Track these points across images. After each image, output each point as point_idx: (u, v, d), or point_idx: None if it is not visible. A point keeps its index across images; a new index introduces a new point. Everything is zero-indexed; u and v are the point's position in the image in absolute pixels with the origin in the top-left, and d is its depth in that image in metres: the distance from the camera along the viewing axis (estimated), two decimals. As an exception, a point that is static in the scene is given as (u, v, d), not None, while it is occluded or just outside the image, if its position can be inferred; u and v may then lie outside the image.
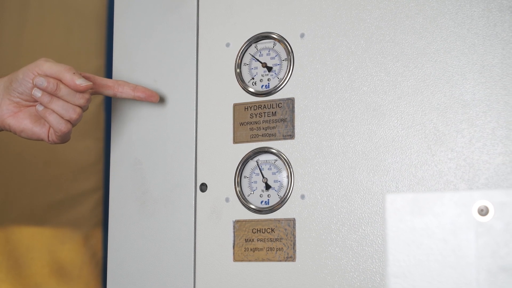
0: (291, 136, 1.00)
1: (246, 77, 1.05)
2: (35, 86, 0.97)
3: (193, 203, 1.05)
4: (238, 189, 1.02)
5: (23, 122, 1.01)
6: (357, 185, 0.95)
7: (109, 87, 1.04)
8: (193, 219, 1.04)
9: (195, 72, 1.07)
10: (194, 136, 1.06)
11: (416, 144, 0.92)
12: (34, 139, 1.02)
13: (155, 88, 1.10)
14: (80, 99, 0.98)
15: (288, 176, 1.00)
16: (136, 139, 1.10)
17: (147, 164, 1.09)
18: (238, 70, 1.05)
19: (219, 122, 1.05)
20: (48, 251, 1.83)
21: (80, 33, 1.93)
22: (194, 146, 1.06)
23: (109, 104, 1.09)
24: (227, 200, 1.03)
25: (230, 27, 1.07)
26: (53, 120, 0.98)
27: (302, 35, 1.01)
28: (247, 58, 1.05)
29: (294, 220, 0.98)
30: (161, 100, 1.09)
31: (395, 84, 0.95)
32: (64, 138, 1.01)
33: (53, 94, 0.97)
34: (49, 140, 1.01)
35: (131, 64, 1.12)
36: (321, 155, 0.98)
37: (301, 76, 1.01)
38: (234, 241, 1.02)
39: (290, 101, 1.01)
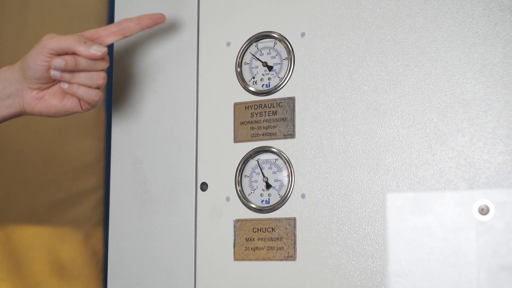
0: (291, 135, 1.00)
1: (247, 76, 1.05)
2: (54, 69, 0.95)
3: (194, 202, 1.05)
4: (238, 188, 1.03)
5: (52, 104, 0.99)
6: (357, 184, 0.95)
7: (115, 33, 1.01)
8: (194, 218, 1.04)
9: (195, 71, 1.07)
10: (195, 135, 1.06)
11: (416, 143, 0.92)
12: (69, 114, 1.01)
13: (155, 87, 1.10)
14: (101, 64, 0.97)
15: (288, 175, 1.00)
16: (136, 138, 1.10)
17: (147, 163, 1.09)
18: (238, 69, 1.05)
19: (219, 121, 1.05)
20: (49, 250, 1.83)
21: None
22: (195, 145, 1.06)
23: (109, 103, 1.09)
24: (227, 199, 1.03)
25: (230, 26, 1.07)
26: (83, 93, 0.96)
27: (302, 34, 1.01)
28: (247, 57, 1.05)
29: (294, 219, 0.98)
30: (162, 99, 1.09)
31: (396, 83, 0.95)
32: (96, 104, 0.99)
33: (74, 70, 0.96)
34: (82, 110, 1.00)
35: (132, 63, 1.12)
36: (321, 154, 0.98)
37: (301, 75, 1.01)
38: (234, 240, 1.02)
39: (291, 100, 1.01)
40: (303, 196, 0.98)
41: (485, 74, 0.90)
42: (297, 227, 0.98)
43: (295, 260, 0.97)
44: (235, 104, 1.05)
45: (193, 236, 1.04)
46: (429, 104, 0.92)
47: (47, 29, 1.84)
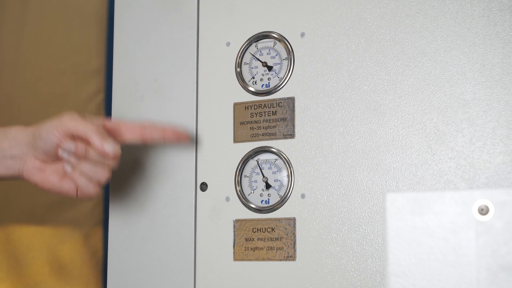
0: (291, 135, 1.00)
1: (247, 76, 1.05)
2: (63, 149, 0.93)
3: (194, 203, 1.05)
4: (238, 188, 1.03)
5: (50, 181, 0.96)
6: (357, 184, 0.95)
7: (136, 133, 0.99)
8: (194, 218, 1.04)
9: (195, 71, 1.07)
10: (195, 135, 1.06)
11: (416, 143, 0.92)
12: (63, 196, 0.98)
13: (155, 87, 1.10)
14: (110, 161, 0.94)
15: (288, 175, 1.00)
16: (136, 138, 1.10)
17: (147, 163, 1.09)
18: (238, 69, 1.05)
19: (219, 121, 1.05)
20: (48, 250, 1.83)
21: (80, 32, 1.93)
22: (195, 145, 1.06)
23: (109, 104, 1.09)
24: (227, 199, 1.03)
25: (230, 26, 1.07)
26: (82, 184, 0.94)
27: (302, 34, 1.01)
28: (247, 57, 1.05)
29: (294, 219, 0.98)
30: (162, 98, 1.09)
31: (396, 83, 0.95)
32: (91, 199, 0.97)
33: (82, 157, 0.93)
34: (77, 197, 0.97)
35: (131, 63, 1.12)
36: (321, 154, 0.98)
37: (301, 75, 1.01)
38: (234, 240, 1.02)
39: (291, 100, 1.01)
40: (302, 196, 0.98)
41: (485, 74, 0.90)
42: (296, 227, 0.98)
43: (295, 260, 0.97)
44: (235, 104, 1.05)
45: (193, 236, 1.04)
46: (428, 104, 0.92)
47: (47, 29, 1.84)
